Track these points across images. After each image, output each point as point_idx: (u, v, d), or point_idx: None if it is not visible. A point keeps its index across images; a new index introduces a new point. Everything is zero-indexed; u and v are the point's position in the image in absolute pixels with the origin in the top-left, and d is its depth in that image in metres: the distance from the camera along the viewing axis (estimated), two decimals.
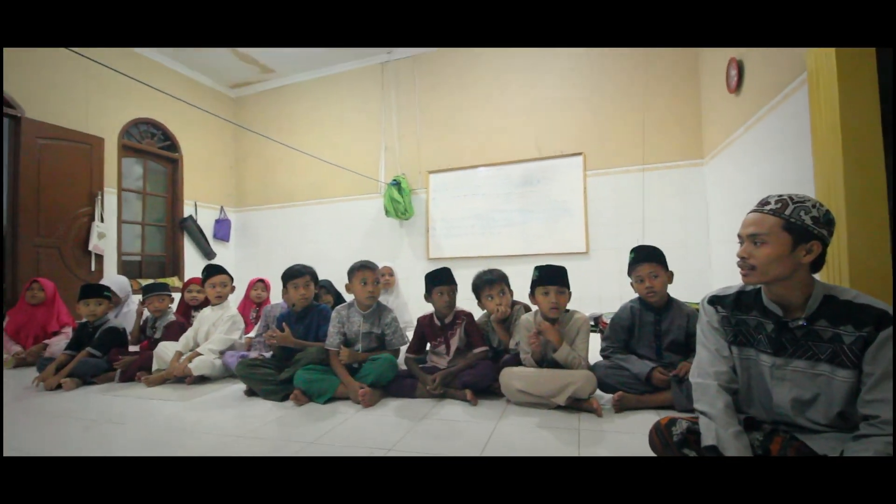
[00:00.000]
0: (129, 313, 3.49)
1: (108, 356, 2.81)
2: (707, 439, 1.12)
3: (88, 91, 4.74)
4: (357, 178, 5.52)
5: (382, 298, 3.58)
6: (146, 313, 3.14)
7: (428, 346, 2.49)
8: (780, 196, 1.13)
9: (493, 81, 5.18)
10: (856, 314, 1.06)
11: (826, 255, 1.11)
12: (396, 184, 5.25)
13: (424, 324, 2.45)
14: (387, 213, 5.29)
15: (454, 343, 2.35)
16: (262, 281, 3.72)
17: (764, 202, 1.15)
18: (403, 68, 5.62)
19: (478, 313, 2.53)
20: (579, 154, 4.74)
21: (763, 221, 1.12)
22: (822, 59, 2.33)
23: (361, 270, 2.35)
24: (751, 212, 1.17)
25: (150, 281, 5.08)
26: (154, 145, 5.50)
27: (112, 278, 3.70)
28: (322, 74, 6.04)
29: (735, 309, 1.24)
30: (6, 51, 4.01)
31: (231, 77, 6.19)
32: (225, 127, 6.21)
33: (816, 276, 1.16)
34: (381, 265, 3.65)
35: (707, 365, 1.24)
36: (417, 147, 5.49)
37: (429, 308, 2.48)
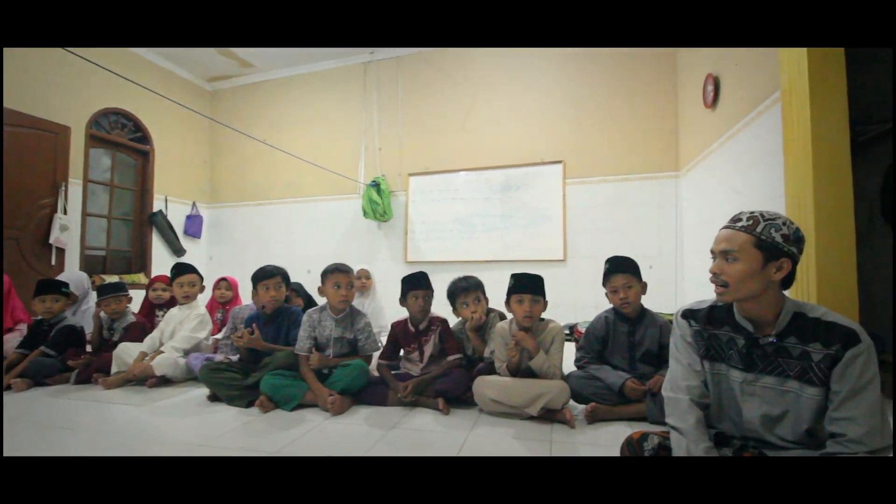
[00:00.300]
0: (88, 311, 3.33)
1: (64, 356, 2.66)
2: (678, 454, 1.12)
3: (55, 78, 4.53)
4: (335, 177, 5.43)
5: (358, 302, 3.53)
6: (102, 316, 2.93)
7: (401, 353, 2.44)
8: (752, 213, 1.13)
9: (477, 86, 5.18)
10: (824, 332, 1.06)
11: (795, 272, 1.12)
12: (376, 185, 5.19)
13: (398, 329, 2.40)
14: (365, 214, 5.22)
15: (428, 350, 2.31)
16: (225, 280, 3.58)
17: (736, 219, 1.15)
18: (386, 69, 5.57)
19: (453, 320, 2.50)
20: (559, 162, 4.78)
21: (735, 238, 1.12)
22: (796, 77, 2.39)
23: (335, 274, 2.28)
24: (723, 228, 1.17)
25: (115, 278, 4.94)
26: (124, 136, 5.30)
27: (70, 274, 3.52)
28: (303, 71, 5.94)
29: (708, 323, 1.24)
30: None
31: (209, 70, 6.03)
32: (200, 120, 6.03)
33: (786, 292, 1.17)
34: (357, 268, 3.59)
35: (680, 379, 1.24)
36: (398, 149, 5.44)
37: (405, 313, 2.44)
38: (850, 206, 2.29)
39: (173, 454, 1.63)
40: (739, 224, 1.13)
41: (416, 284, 2.33)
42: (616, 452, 1.30)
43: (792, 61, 2.41)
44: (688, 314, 1.28)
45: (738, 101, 3.12)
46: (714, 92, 3.47)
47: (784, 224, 1.10)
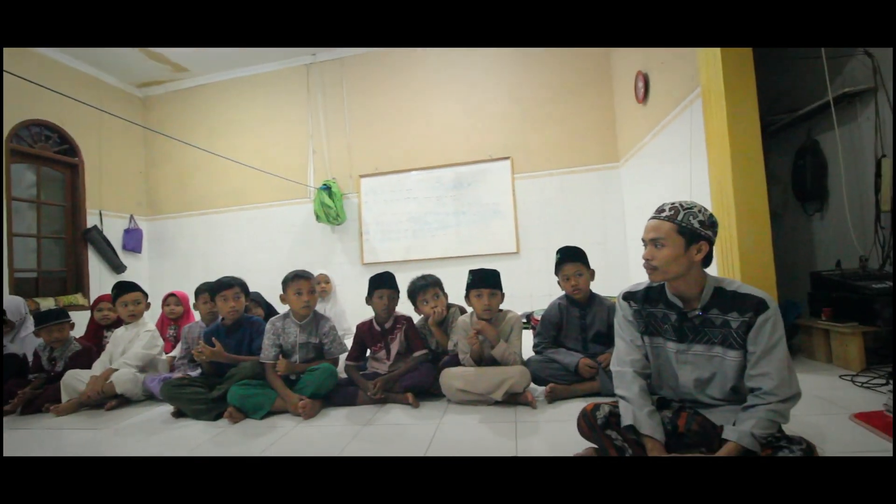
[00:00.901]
0: (28, 338, 3.13)
1: (8, 386, 2.50)
2: (626, 420, 1.26)
3: None
4: (283, 182, 5.33)
5: (319, 307, 3.51)
6: (41, 343, 2.74)
7: (368, 353, 2.50)
8: (673, 204, 1.29)
9: (423, 86, 5.25)
10: (739, 302, 1.24)
11: (713, 253, 1.29)
12: (327, 188, 5.15)
13: (364, 330, 2.45)
14: (318, 218, 5.18)
15: (395, 348, 2.38)
16: (174, 295, 3.46)
17: (660, 209, 1.31)
18: (330, 70, 5.53)
19: (417, 318, 2.58)
20: (507, 158, 4.95)
21: (660, 227, 1.28)
22: (712, 76, 2.64)
23: (295, 280, 2.30)
24: (650, 218, 1.33)
25: (50, 300, 4.63)
26: (49, 149, 4.95)
27: (5, 300, 3.29)
28: (241, 75, 5.77)
29: (645, 302, 1.39)
30: None
31: (139, 76, 5.72)
32: (133, 129, 5.72)
33: (709, 270, 1.34)
34: (316, 273, 3.58)
35: (624, 354, 1.39)
36: (347, 151, 5.42)
37: (368, 314, 2.49)
38: (764, 188, 2.57)
39: None
40: (663, 214, 1.29)
41: (380, 284, 2.39)
42: (574, 427, 1.43)
43: (708, 61, 2.67)
44: (628, 296, 1.44)
45: (666, 97, 3.38)
46: (644, 88, 3.73)
47: (700, 212, 1.27)
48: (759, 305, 1.21)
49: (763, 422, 1.14)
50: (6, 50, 4.38)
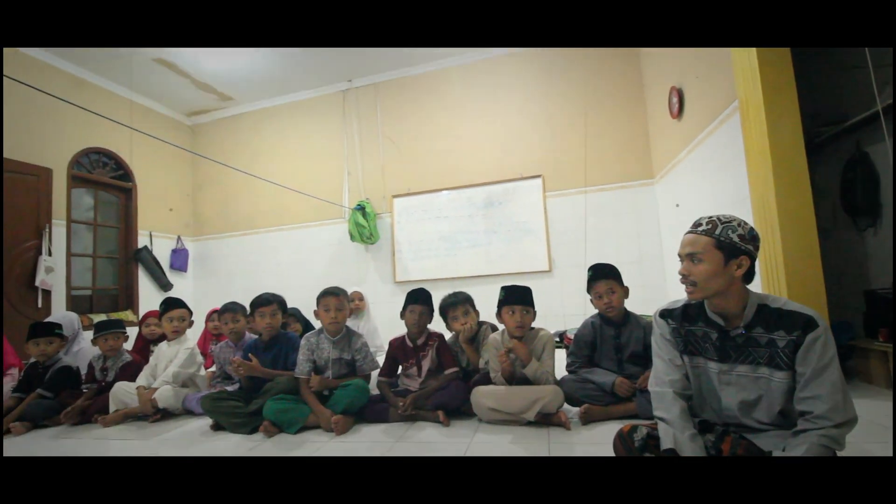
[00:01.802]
0: (81, 351, 3.32)
1: (61, 397, 2.65)
2: (665, 443, 1.21)
3: (35, 120, 4.56)
4: (320, 203, 5.51)
5: (353, 323, 3.58)
6: (96, 354, 2.93)
7: (399, 369, 2.51)
8: (710, 217, 1.26)
9: (453, 108, 5.35)
10: (786, 320, 1.18)
11: (755, 268, 1.24)
12: (361, 208, 5.28)
13: (396, 346, 2.47)
14: (352, 237, 5.30)
15: (426, 364, 2.38)
16: (216, 311, 3.61)
17: (697, 224, 1.27)
18: (364, 96, 5.72)
19: (449, 335, 2.58)
20: (538, 176, 4.94)
21: (697, 241, 1.24)
22: (750, 87, 2.58)
23: (325, 297, 2.36)
24: (687, 233, 1.29)
25: (102, 316, 4.90)
26: (106, 175, 5.31)
27: (60, 315, 3.51)
28: (282, 102, 6.05)
29: (683, 320, 1.35)
30: None
31: (188, 105, 6.10)
32: (182, 155, 6.08)
33: (754, 285, 1.28)
34: (350, 290, 3.66)
35: (662, 374, 1.34)
36: (381, 172, 5.56)
37: (401, 331, 2.51)
38: (810, 203, 2.46)
39: None
40: (700, 228, 1.25)
41: (413, 299, 2.42)
42: (611, 450, 1.38)
43: (745, 72, 2.60)
44: (665, 314, 1.39)
45: (701, 112, 3.31)
46: (679, 103, 3.67)
47: (739, 225, 1.22)
48: (808, 323, 1.14)
49: (816, 448, 1.07)
50: (60, 78, 4.77)
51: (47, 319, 3.19)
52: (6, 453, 2.14)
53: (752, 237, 1.23)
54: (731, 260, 1.20)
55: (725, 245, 1.21)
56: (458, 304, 2.45)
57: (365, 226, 5.21)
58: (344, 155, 5.72)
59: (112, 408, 2.59)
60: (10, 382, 3.10)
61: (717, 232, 1.22)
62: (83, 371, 2.94)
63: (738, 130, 2.74)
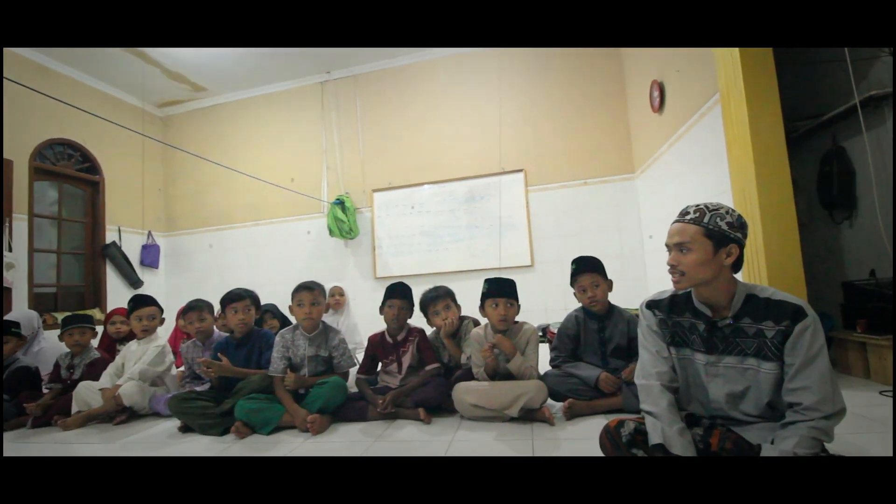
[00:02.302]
0: (42, 351, 3.15)
1: (19, 399, 2.50)
2: (654, 438, 1.17)
3: None
4: (297, 198, 5.37)
5: (332, 319, 3.48)
6: (62, 352, 2.80)
7: (379, 366, 2.43)
8: (697, 206, 1.22)
9: (434, 101, 5.27)
10: (774, 310, 1.15)
11: (744, 256, 1.21)
12: (340, 203, 5.16)
13: (376, 342, 2.39)
14: (331, 232, 5.18)
15: (406, 361, 2.31)
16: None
17: (684, 212, 1.23)
18: (344, 88, 5.59)
19: (430, 331, 2.51)
20: (520, 171, 4.90)
21: (685, 230, 1.20)
22: (731, 80, 2.57)
23: (299, 292, 2.26)
24: (674, 222, 1.25)
25: (68, 314, 4.68)
26: (71, 167, 5.07)
27: (18, 313, 3.32)
28: (257, 93, 5.88)
29: (670, 311, 1.31)
30: None
31: (159, 96, 5.87)
32: (152, 147, 5.85)
33: (738, 277, 1.25)
34: (330, 285, 3.55)
35: (649, 366, 1.30)
36: (360, 166, 5.45)
37: (381, 327, 2.43)
38: (790, 195, 2.47)
39: None
40: (688, 217, 1.21)
41: (392, 294, 2.35)
42: (595, 445, 1.34)
43: (727, 65, 2.60)
44: (651, 304, 1.35)
45: (683, 105, 3.31)
46: (660, 97, 3.67)
47: (727, 213, 1.19)
48: (797, 313, 1.11)
49: (806, 440, 1.04)
50: (22, 66, 4.55)
51: (6, 317, 3.02)
52: None
53: (740, 224, 1.19)
54: (720, 248, 1.17)
55: (714, 233, 1.17)
56: (439, 298, 2.39)
57: (344, 220, 5.10)
58: (323, 148, 5.59)
59: (74, 408, 2.44)
60: None
61: (706, 220, 1.18)
62: (44, 371, 2.78)
63: (720, 123, 2.74)
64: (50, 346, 3.18)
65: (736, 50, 2.50)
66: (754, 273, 2.46)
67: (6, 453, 1.38)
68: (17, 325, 2.69)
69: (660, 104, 3.70)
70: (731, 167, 2.67)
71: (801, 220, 2.90)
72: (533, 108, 4.96)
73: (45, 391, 2.69)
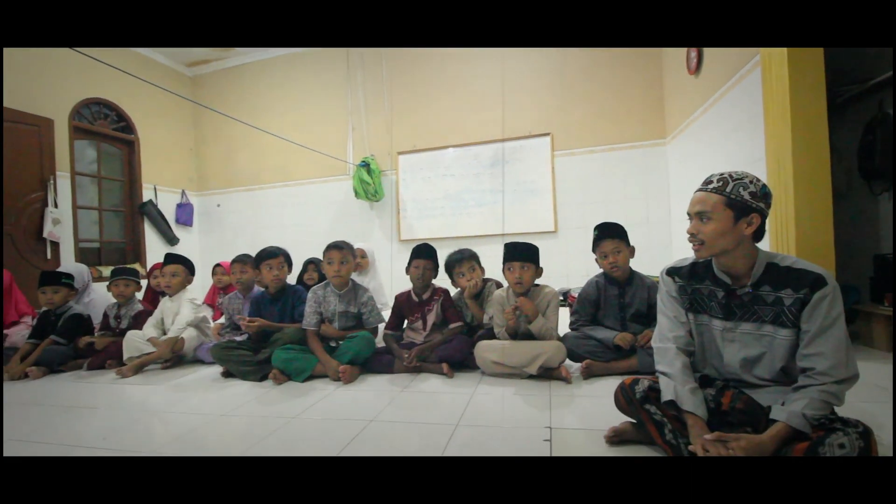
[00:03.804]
0: (92, 302, 3.38)
1: (75, 343, 2.73)
2: (666, 395, 1.23)
3: (34, 70, 4.45)
4: (324, 159, 5.44)
5: (357, 280, 3.60)
6: (110, 302, 3.02)
7: (405, 323, 2.55)
8: (721, 175, 1.22)
9: (461, 63, 5.17)
10: (794, 278, 1.17)
11: (765, 226, 1.22)
12: (366, 165, 5.21)
13: (402, 300, 2.50)
14: (356, 194, 5.26)
15: (431, 318, 2.42)
16: (220, 265, 3.66)
17: (707, 181, 1.24)
18: (370, 49, 5.52)
19: (454, 292, 2.60)
20: (547, 135, 4.83)
21: (707, 199, 1.21)
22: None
23: (329, 251, 2.38)
24: (696, 191, 1.26)
25: (111, 268, 4.96)
26: (108, 126, 5.24)
27: (70, 265, 3.56)
28: (284, 53, 5.86)
29: (690, 279, 1.34)
30: None
31: (188, 55, 5.92)
32: (183, 107, 5.97)
33: (762, 245, 1.27)
34: (355, 247, 3.65)
35: (667, 330, 1.35)
36: (386, 128, 5.45)
37: (404, 287, 2.54)
38: (827, 164, 2.40)
39: (198, 424, 1.73)
40: (711, 186, 1.22)
41: (417, 254, 2.45)
42: (609, 404, 1.41)
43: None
44: (672, 271, 1.38)
45: (721, 67, 3.18)
46: (697, 58, 3.53)
47: (751, 182, 1.19)
48: (817, 281, 1.14)
49: (815, 402, 1.08)
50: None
51: (58, 269, 3.24)
52: (26, 396, 2.23)
53: (763, 194, 1.20)
54: (741, 218, 1.18)
55: (736, 203, 1.18)
56: (464, 260, 2.46)
57: (370, 183, 5.16)
58: (348, 109, 5.59)
59: (126, 355, 2.66)
60: (24, 330, 3.18)
61: (728, 189, 1.19)
62: (96, 320, 3.01)
63: (758, 87, 2.64)
64: (99, 297, 3.41)
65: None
66: (783, 241, 2.43)
67: (6, 453, 1.43)
68: (69, 276, 2.89)
69: (697, 65, 3.56)
70: (767, 133, 2.59)
71: (839, 190, 2.82)
72: (562, 69, 4.82)
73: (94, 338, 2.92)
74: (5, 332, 3.24)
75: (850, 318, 2.49)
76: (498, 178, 5.00)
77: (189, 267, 2.98)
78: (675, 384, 1.23)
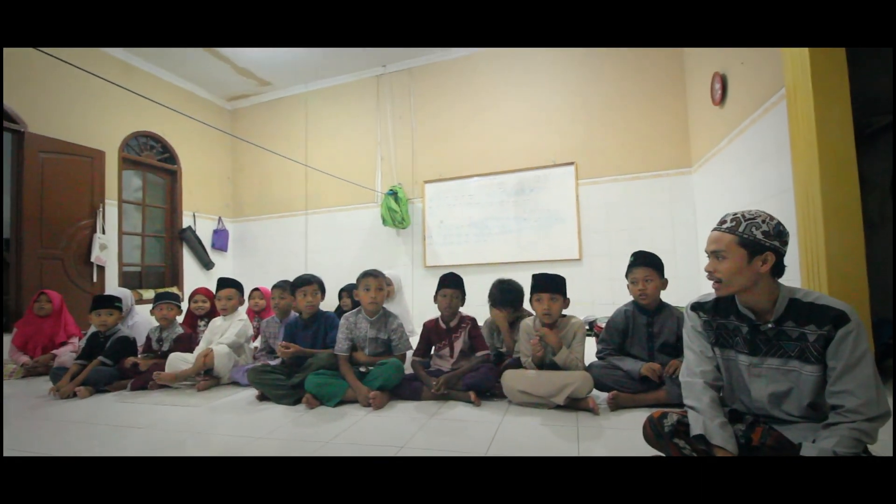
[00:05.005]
0: (135, 325, 3.57)
1: (120, 365, 2.88)
2: (696, 429, 1.24)
3: (89, 105, 4.82)
4: (353, 188, 5.63)
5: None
6: (153, 326, 3.20)
7: (432, 350, 2.60)
8: (735, 214, 1.26)
9: (487, 93, 5.34)
10: (817, 314, 1.18)
11: (783, 263, 1.24)
12: (393, 193, 5.37)
13: (430, 328, 2.56)
14: (384, 222, 5.41)
15: (458, 346, 2.47)
16: (258, 290, 3.82)
17: (721, 221, 1.28)
18: (398, 81, 5.76)
19: (481, 320, 2.66)
20: (571, 163, 4.90)
21: (721, 239, 1.25)
22: (799, 74, 2.49)
23: (365, 278, 2.48)
24: (712, 230, 1.30)
25: (151, 292, 5.20)
26: (153, 157, 5.58)
27: (116, 290, 3.77)
28: (318, 87, 6.17)
29: (715, 314, 1.36)
30: (10, 67, 4.09)
31: (228, 90, 6.29)
32: (222, 139, 6.31)
33: (792, 278, 1.29)
34: None
35: (694, 365, 1.37)
36: (413, 157, 5.62)
37: (430, 314, 2.61)
38: (857, 196, 2.37)
39: (234, 445, 1.81)
40: (724, 226, 1.26)
41: (445, 283, 2.52)
42: (637, 435, 1.43)
43: (795, 59, 2.51)
44: (696, 306, 1.41)
45: (746, 99, 3.22)
46: (721, 90, 3.57)
47: (763, 221, 1.22)
48: (840, 318, 1.15)
49: (846, 440, 1.08)
50: (110, 64, 4.98)
51: (109, 293, 3.45)
52: (74, 414, 2.36)
53: (777, 233, 1.22)
54: (755, 256, 1.21)
55: (748, 242, 1.21)
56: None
57: (397, 210, 5.31)
58: (377, 139, 5.80)
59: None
60: (71, 350, 3.37)
61: (741, 229, 1.23)
62: (139, 342, 3.17)
63: (784, 119, 2.66)
64: (141, 320, 3.60)
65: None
66: (814, 275, 2.40)
67: (4, 453, 1.45)
68: (119, 299, 3.07)
69: (721, 97, 3.59)
70: (794, 165, 2.59)
71: (872, 220, 2.78)
72: (586, 99, 4.92)
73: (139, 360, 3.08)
74: (55, 351, 3.44)
75: (885, 353, 2.42)
76: (522, 205, 5.07)
77: (241, 290, 3.15)
78: (703, 419, 1.25)
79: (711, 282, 1.29)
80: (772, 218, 1.24)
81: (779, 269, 1.23)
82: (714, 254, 1.27)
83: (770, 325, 1.24)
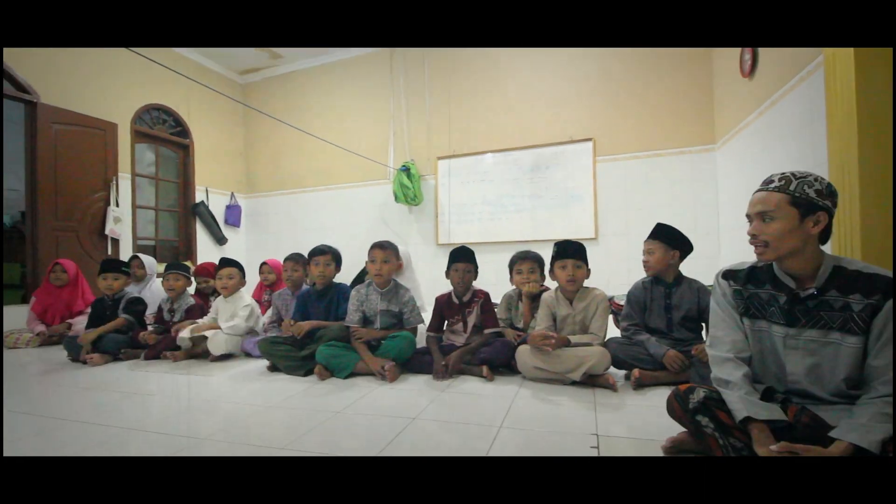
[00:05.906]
0: (150, 291, 3.61)
1: (133, 334, 2.90)
2: (739, 412, 1.13)
3: (101, 76, 4.78)
4: (366, 163, 5.55)
5: None
6: (164, 297, 3.23)
7: (445, 325, 2.56)
8: (783, 174, 1.17)
9: (503, 67, 5.18)
10: (865, 283, 1.10)
11: (832, 227, 1.16)
12: (406, 169, 5.28)
13: (443, 303, 2.52)
14: (396, 198, 5.34)
15: (471, 320, 2.42)
16: (266, 263, 3.79)
17: (768, 181, 1.19)
18: (412, 54, 5.62)
19: (495, 294, 2.60)
20: (589, 140, 4.76)
21: (769, 199, 1.16)
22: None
23: (372, 250, 2.45)
24: (756, 191, 1.21)
25: (166, 264, 5.24)
26: (165, 131, 5.55)
27: (144, 257, 3.86)
28: (330, 60, 6.05)
29: (748, 282, 1.28)
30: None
31: (240, 63, 6.20)
32: (234, 113, 6.25)
33: (826, 249, 1.20)
34: None
35: (722, 335, 1.29)
36: (426, 133, 5.51)
37: (441, 291, 2.57)
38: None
39: (247, 414, 1.79)
40: (772, 185, 1.17)
41: (457, 258, 2.46)
42: (659, 412, 1.36)
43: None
44: (728, 275, 1.33)
45: (778, 69, 3.05)
46: (752, 60, 3.39)
47: (816, 180, 1.14)
48: (890, 287, 1.07)
49: (879, 416, 1.02)
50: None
51: (138, 255, 3.66)
52: (89, 381, 2.37)
53: (830, 192, 1.14)
54: (807, 217, 1.13)
55: (801, 201, 1.13)
56: (527, 259, 2.51)
57: (409, 187, 5.23)
58: (390, 114, 5.70)
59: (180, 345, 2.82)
60: (84, 321, 3.42)
61: (792, 187, 1.14)
62: (151, 311, 3.20)
63: (819, 90, 2.52)
64: (156, 288, 3.65)
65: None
66: (847, 251, 2.29)
67: (5, 452, 1.42)
68: (125, 264, 3.12)
69: (751, 68, 3.42)
70: (829, 138, 2.46)
71: None
72: (607, 72, 4.74)
73: (148, 326, 3.11)
74: (70, 320, 3.48)
75: None
76: (537, 183, 4.96)
77: (242, 270, 3.11)
78: (741, 394, 1.16)
79: (754, 247, 1.21)
80: (823, 177, 1.15)
81: (827, 232, 1.15)
82: (760, 215, 1.18)
83: (812, 292, 1.16)
